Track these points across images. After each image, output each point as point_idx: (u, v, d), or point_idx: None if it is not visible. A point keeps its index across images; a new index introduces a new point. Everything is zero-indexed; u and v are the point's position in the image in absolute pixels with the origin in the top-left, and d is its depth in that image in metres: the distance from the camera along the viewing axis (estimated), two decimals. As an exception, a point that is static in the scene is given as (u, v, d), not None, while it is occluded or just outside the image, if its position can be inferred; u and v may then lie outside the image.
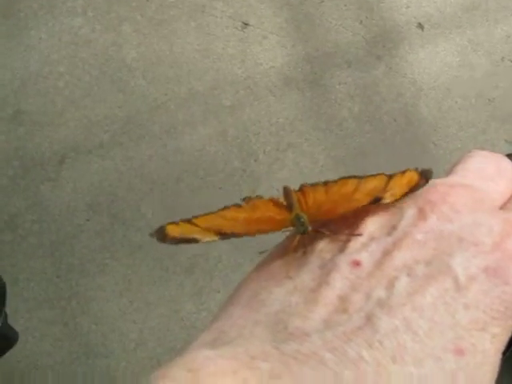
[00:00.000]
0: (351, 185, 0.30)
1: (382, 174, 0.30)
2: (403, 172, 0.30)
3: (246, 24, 1.74)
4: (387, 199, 0.28)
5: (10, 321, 0.99)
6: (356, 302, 0.24)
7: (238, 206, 0.32)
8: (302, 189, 0.32)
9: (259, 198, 0.32)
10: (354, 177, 0.31)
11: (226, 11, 1.75)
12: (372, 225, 0.27)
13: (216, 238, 0.29)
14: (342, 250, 0.26)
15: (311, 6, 1.78)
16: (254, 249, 1.48)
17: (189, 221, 0.30)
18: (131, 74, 1.68)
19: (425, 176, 0.29)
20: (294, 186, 0.32)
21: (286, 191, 0.32)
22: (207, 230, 0.30)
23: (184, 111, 1.66)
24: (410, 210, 0.27)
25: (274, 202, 0.32)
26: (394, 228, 0.27)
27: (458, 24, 1.81)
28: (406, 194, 0.28)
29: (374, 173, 0.31)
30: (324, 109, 1.70)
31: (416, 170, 0.29)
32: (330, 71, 1.73)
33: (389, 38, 1.78)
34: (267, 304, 0.25)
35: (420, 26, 1.79)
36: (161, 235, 0.29)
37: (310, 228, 0.29)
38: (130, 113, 1.64)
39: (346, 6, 1.80)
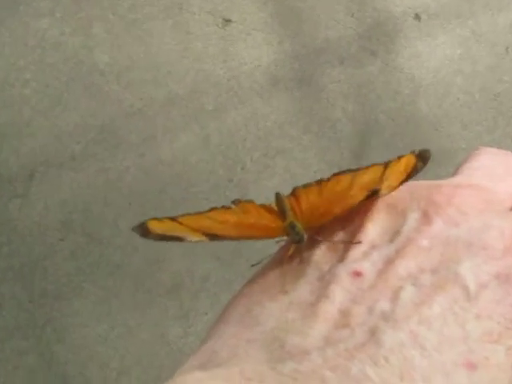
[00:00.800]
0: (345, 180, 0.30)
1: (377, 164, 0.30)
2: (399, 158, 0.29)
3: (227, 20, 1.74)
4: (384, 190, 0.28)
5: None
6: (358, 315, 0.23)
7: (227, 208, 0.31)
8: (294, 192, 0.31)
9: (250, 202, 0.32)
10: (348, 171, 0.30)
11: (205, 7, 1.74)
12: (373, 230, 0.27)
13: (204, 238, 0.29)
14: (341, 259, 0.26)
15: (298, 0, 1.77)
16: (244, 264, 1.49)
17: (174, 219, 0.30)
18: (104, 79, 1.66)
19: (422, 158, 0.29)
20: (286, 193, 0.31)
21: (278, 198, 0.31)
22: (194, 229, 0.29)
23: (163, 117, 1.65)
24: (413, 214, 0.27)
25: (266, 208, 0.31)
26: (396, 234, 0.26)
27: (459, 13, 1.81)
28: (404, 181, 0.28)
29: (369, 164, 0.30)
30: (315, 110, 1.69)
31: (413, 152, 0.29)
32: (321, 69, 1.72)
33: (383, 32, 1.78)
34: (261, 321, 0.25)
35: (417, 16, 1.79)
36: (142, 230, 0.29)
37: (305, 236, 0.28)
38: (103, 121, 1.63)
39: (335, -3, 1.78)
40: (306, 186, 0.31)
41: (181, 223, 0.30)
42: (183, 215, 0.30)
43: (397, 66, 1.75)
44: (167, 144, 1.63)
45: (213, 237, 0.30)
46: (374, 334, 0.22)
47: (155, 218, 0.30)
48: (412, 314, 0.23)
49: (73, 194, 1.57)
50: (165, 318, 1.51)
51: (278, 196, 0.32)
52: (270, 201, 0.32)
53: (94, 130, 1.63)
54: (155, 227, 0.29)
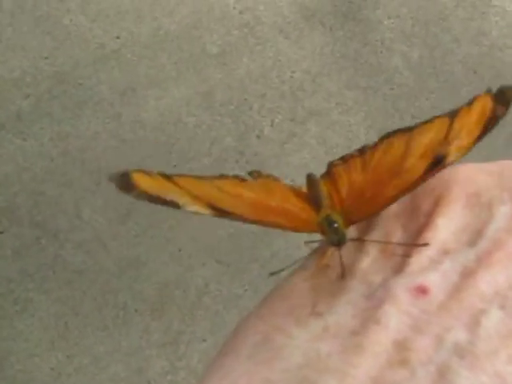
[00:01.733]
0: (398, 145, 0.27)
1: (441, 116, 0.26)
2: (470, 103, 0.26)
3: None
4: (453, 156, 0.25)
5: None
6: (422, 349, 0.21)
7: (241, 179, 0.29)
8: (330, 171, 0.29)
9: (274, 179, 0.29)
10: (401, 131, 0.27)
11: None
12: (445, 229, 0.24)
13: (207, 211, 0.26)
14: (398, 269, 0.24)
15: None
16: (258, 272, 1.42)
17: (168, 177, 0.27)
18: (65, 7, 1.61)
19: (503, 99, 0.25)
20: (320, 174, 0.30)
21: (311, 182, 0.29)
22: (194, 197, 0.27)
23: (147, 63, 1.59)
24: (503, 207, 0.25)
25: (295, 191, 0.29)
26: (479, 234, 0.24)
27: None
28: (480, 137, 0.25)
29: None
30: (365, 56, 1.62)
31: (488, 92, 0.25)
32: (374, -2, 1.65)
33: None
34: (284, 355, 0.22)
35: None
36: (125, 183, 0.25)
37: (347, 236, 0.26)
38: (63, 67, 1.57)
39: None
40: (345, 160, 0.29)
41: (177, 185, 0.27)
42: (180, 175, 0.27)
43: (481, -6, 1.66)
44: (152, 101, 1.56)
45: (222, 212, 0.26)
46: (443, 376, 0.20)
47: (142, 171, 0.26)
48: (499, 348, 0.21)
49: (17, 168, 1.51)
50: (145, 345, 1.40)
51: (310, 179, 0.29)
52: (296, 184, 0.30)
53: (50, 79, 1.57)
54: (143, 182, 0.26)
